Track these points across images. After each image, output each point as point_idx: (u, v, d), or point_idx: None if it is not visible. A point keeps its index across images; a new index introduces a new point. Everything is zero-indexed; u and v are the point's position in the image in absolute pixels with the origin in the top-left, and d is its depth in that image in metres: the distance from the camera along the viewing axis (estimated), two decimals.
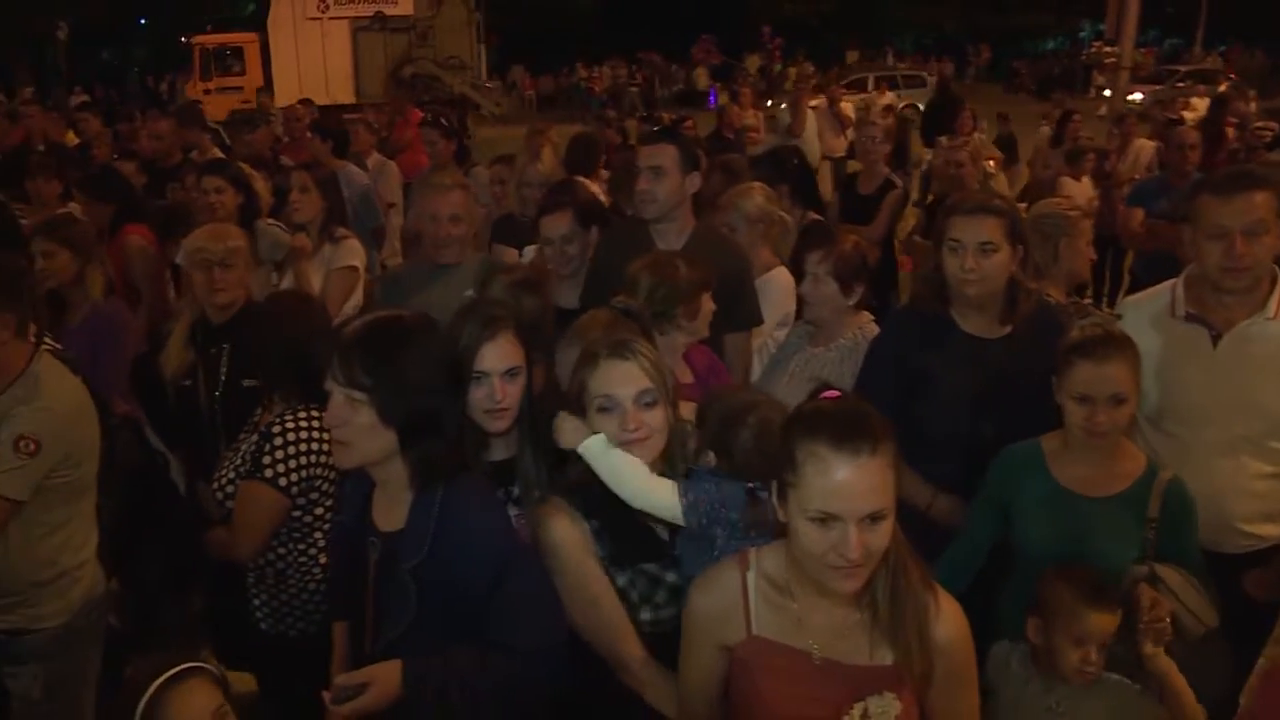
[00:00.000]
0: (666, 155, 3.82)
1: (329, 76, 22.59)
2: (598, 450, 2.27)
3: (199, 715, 2.05)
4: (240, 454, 3.06)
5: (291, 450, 2.92)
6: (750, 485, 2.28)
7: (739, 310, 3.83)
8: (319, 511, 3.02)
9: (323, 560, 3.02)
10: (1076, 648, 2.45)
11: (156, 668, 2.01)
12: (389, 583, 2.20)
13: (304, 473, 2.93)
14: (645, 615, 2.34)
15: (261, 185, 5.20)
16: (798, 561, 1.95)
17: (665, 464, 2.36)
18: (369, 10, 23.27)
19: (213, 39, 26.57)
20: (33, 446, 2.90)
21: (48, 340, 3.32)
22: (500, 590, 2.14)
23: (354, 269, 4.76)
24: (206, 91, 24.28)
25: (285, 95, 19.42)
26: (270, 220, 5.02)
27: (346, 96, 21.89)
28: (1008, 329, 3.06)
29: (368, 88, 22.53)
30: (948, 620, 1.99)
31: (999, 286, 3.00)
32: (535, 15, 39.08)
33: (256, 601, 3.10)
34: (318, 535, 3.03)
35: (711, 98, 31.45)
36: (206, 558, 3.19)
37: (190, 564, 3.22)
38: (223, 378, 3.62)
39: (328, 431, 2.91)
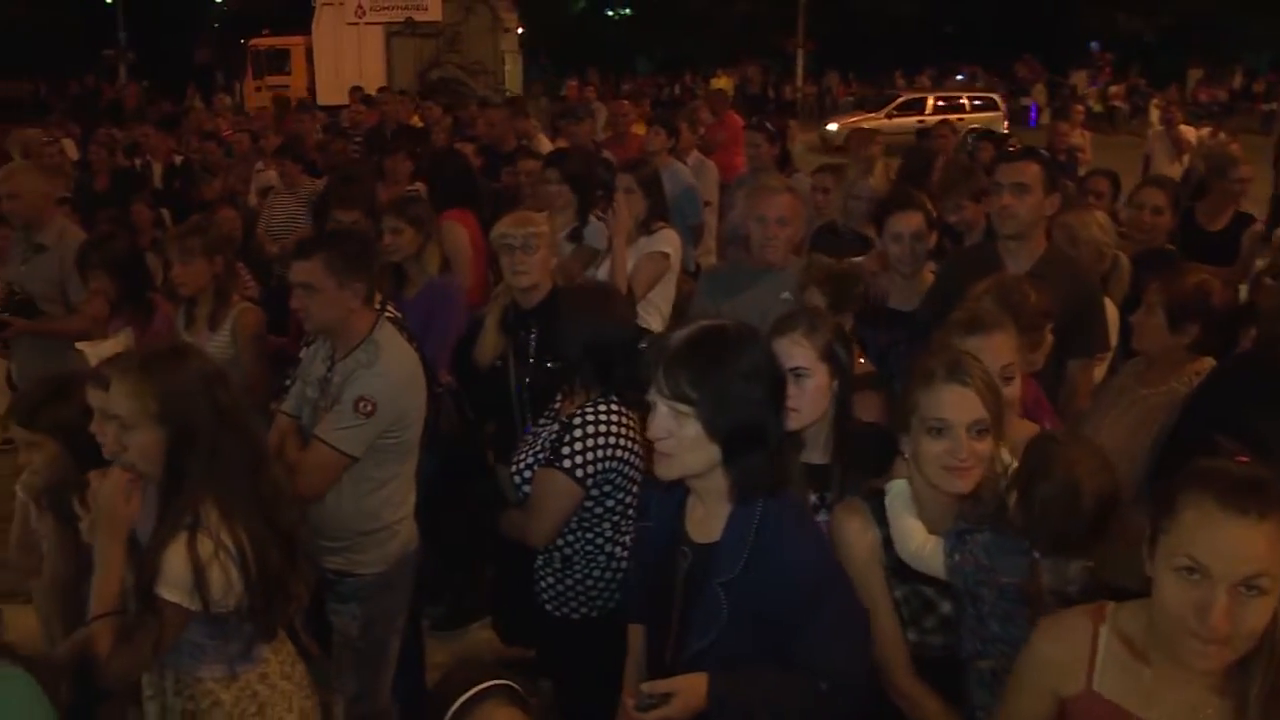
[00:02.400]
0: (1030, 173, 3.75)
1: (364, 78, 22.87)
2: (893, 494, 2.25)
3: None
4: (540, 441, 3.19)
5: (590, 443, 3.00)
6: (1035, 555, 2.18)
7: (1084, 336, 3.71)
8: (610, 504, 3.09)
9: (608, 549, 3.11)
10: None
11: (463, 682, 2.09)
12: (699, 594, 2.18)
13: (600, 465, 3.01)
14: (911, 635, 2.33)
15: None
16: (1157, 624, 1.79)
17: (971, 500, 2.30)
18: (401, 16, 24.48)
19: (264, 41, 28.18)
20: (370, 408, 3.13)
21: (389, 309, 3.60)
22: (814, 614, 2.10)
23: (665, 255, 4.85)
24: (258, 89, 26.43)
25: (326, 94, 22.78)
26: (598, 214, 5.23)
27: None
28: None
29: (399, 87, 22.54)
30: None
31: None
32: (855, 21, 38.64)
33: (543, 584, 3.20)
34: (606, 526, 3.11)
35: (1032, 116, 30.05)
36: (500, 534, 3.33)
37: (487, 536, 3.37)
38: (530, 360, 3.80)
39: (627, 426, 3.05)
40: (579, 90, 20.28)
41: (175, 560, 2.37)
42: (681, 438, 2.09)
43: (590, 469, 3.00)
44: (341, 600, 3.39)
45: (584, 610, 3.17)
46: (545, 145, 8.34)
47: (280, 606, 2.56)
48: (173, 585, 2.37)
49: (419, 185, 7.16)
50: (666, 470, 2.15)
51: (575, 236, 5.18)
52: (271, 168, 8.80)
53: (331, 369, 3.30)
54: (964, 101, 25.80)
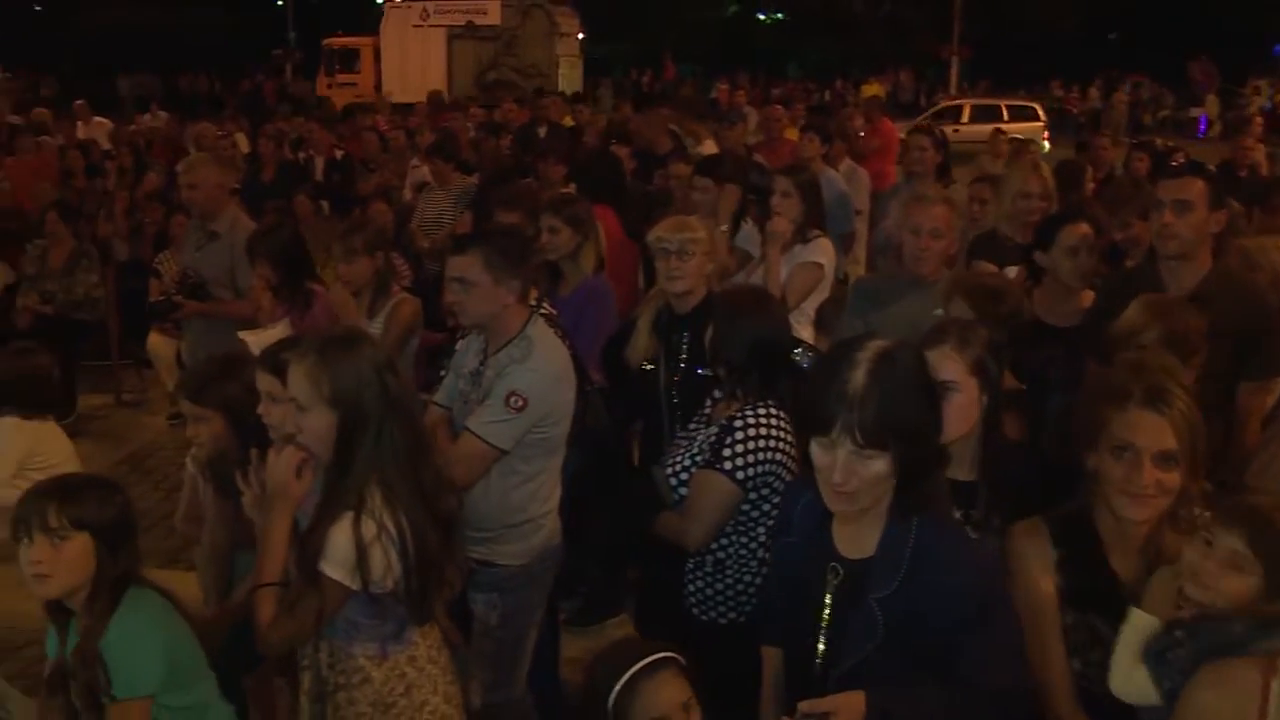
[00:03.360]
0: (1194, 190, 3.58)
1: (427, 77, 24.57)
2: (1137, 626, 2.13)
3: (669, 707, 2.14)
4: (695, 443, 3.18)
5: (751, 445, 2.99)
6: None
7: (1258, 358, 3.53)
8: (765, 508, 3.07)
9: (760, 555, 3.08)
10: None
11: (630, 656, 2.10)
12: (852, 611, 2.14)
13: (760, 468, 2.99)
14: (1074, 664, 2.27)
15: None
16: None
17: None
18: (462, 20, 26.08)
19: (337, 41, 29.45)
20: (521, 402, 3.18)
21: (544, 306, 3.66)
22: (973, 632, 2.04)
23: (819, 265, 4.79)
24: (329, 86, 27.78)
25: (393, 92, 24.09)
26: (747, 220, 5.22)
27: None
28: None
29: (459, 88, 24.80)
30: None
31: None
32: (1013, 28, 37.54)
33: (691, 587, 3.19)
34: (760, 530, 3.08)
35: (1201, 126, 28.73)
36: (646, 534, 3.32)
37: (633, 536, 3.37)
38: (681, 364, 3.81)
39: (784, 429, 3.03)
40: (729, 94, 20.29)
41: (340, 539, 2.44)
42: (866, 477, 2.03)
43: (750, 471, 3.00)
44: (483, 590, 3.44)
45: (732, 615, 3.15)
46: (710, 150, 8.36)
47: (434, 591, 2.62)
48: (336, 563, 2.45)
49: (573, 187, 7.27)
50: (847, 505, 2.08)
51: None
52: (425, 165, 9.07)
53: (484, 363, 3.35)
54: (1002, 110, 24.72)
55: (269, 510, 2.59)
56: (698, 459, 3.11)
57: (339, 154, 9.82)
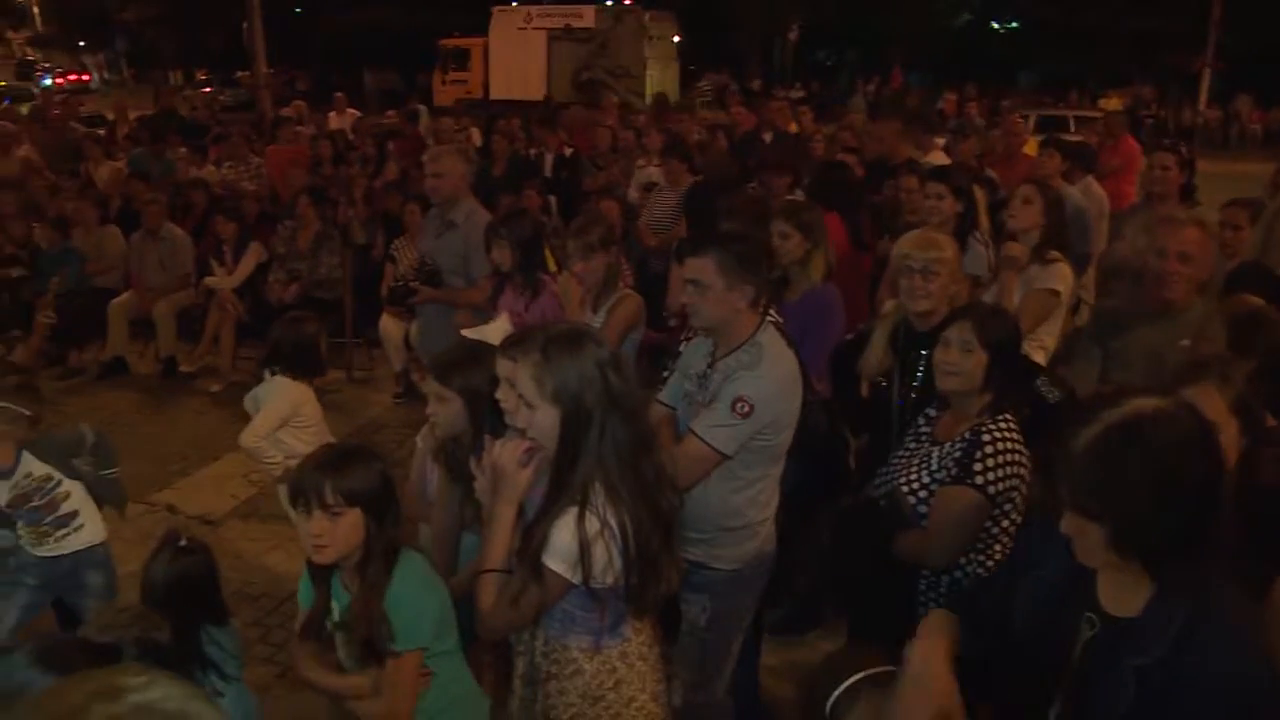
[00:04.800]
0: None
1: (528, 77, 26.98)
2: None
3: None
4: (932, 459, 3.10)
5: (1002, 459, 2.91)
6: None
7: None
8: (1005, 524, 2.97)
9: None
10: None
11: (858, 664, 2.06)
12: (1103, 670, 1.97)
13: (1008, 482, 2.91)
14: None
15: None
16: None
17: None
18: (561, 23, 27.66)
19: (452, 42, 30.77)
20: (747, 409, 3.16)
21: (771, 313, 3.63)
22: None
23: (1055, 293, 4.59)
24: (443, 83, 29.69)
25: (498, 89, 27.58)
26: (978, 235, 5.04)
27: (540, 94, 25.60)
28: None
29: (557, 88, 26.20)
30: None
31: None
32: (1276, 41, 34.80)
33: (921, 610, 3.10)
34: (998, 549, 2.99)
35: None
36: (880, 554, 3.25)
37: (866, 555, 3.30)
38: (916, 384, 3.71)
39: (1023, 443, 2.94)
40: (957, 105, 19.70)
41: (564, 534, 2.49)
42: (1083, 541, 1.90)
43: (999, 485, 2.92)
44: (694, 590, 3.44)
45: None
46: (938, 162, 8.16)
47: (653, 589, 2.63)
48: (559, 557, 2.50)
49: (799, 195, 7.21)
50: (1089, 559, 1.95)
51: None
52: (652, 164, 9.20)
53: (712, 366, 3.36)
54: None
55: (496, 497, 2.66)
56: (938, 475, 3.02)
57: (568, 151, 10.07)
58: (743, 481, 3.33)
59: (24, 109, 19.89)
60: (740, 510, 3.36)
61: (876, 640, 3.27)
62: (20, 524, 4.12)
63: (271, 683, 4.47)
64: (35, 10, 60.91)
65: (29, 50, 64.57)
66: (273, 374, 4.52)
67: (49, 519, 4.12)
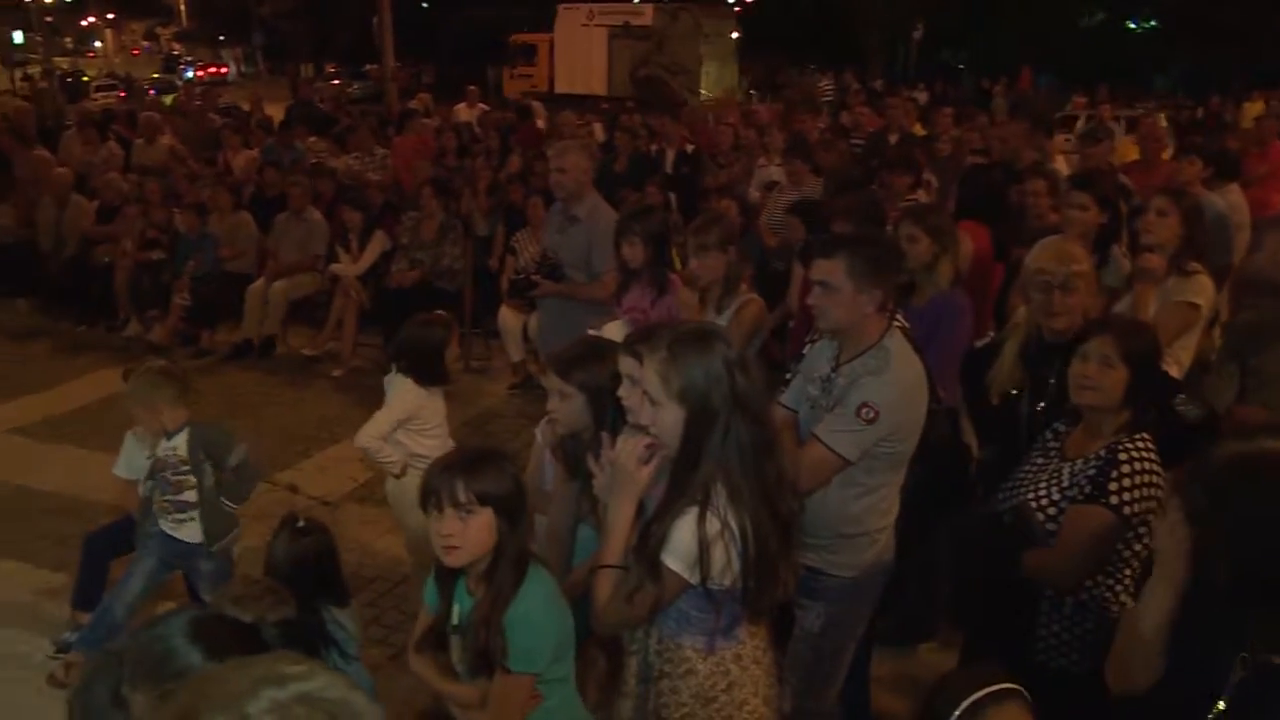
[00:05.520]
0: None
1: (590, 72, 28.33)
2: None
3: None
4: (1062, 476, 3.00)
5: (1139, 479, 2.81)
6: None
7: None
8: (1137, 548, 2.88)
9: (1123, 599, 2.88)
10: None
11: (977, 681, 2.00)
12: (1256, 714, 1.90)
13: (1143, 504, 2.81)
14: None
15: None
16: None
17: None
18: (620, 20, 28.56)
19: (520, 38, 32.28)
20: (872, 414, 3.11)
21: (898, 318, 3.56)
22: None
23: (1194, 306, 4.39)
24: (510, 77, 31.28)
25: (562, 84, 28.88)
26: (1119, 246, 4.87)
27: (600, 89, 27.23)
28: None
29: (616, 84, 27.40)
30: None
31: None
32: None
33: (1043, 631, 3.02)
34: (1127, 573, 2.88)
35: None
36: (1004, 569, 3.17)
37: (988, 569, 3.22)
38: (1047, 398, 3.60)
39: (1160, 462, 2.82)
40: (1088, 107, 19.07)
41: (684, 534, 2.48)
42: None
43: (1135, 507, 2.82)
44: (809, 596, 3.40)
45: (1087, 664, 2.94)
46: (1061, 166, 7.92)
47: (769, 593, 2.61)
48: (678, 556, 2.48)
49: (919, 195, 7.08)
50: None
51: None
52: (773, 163, 9.13)
53: (836, 369, 3.31)
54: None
55: (616, 494, 2.65)
56: (1070, 492, 2.93)
57: (690, 148, 10.06)
58: (864, 488, 3.28)
59: (168, 100, 20.76)
60: (860, 517, 3.31)
61: (991, 658, 3.20)
62: (156, 492, 4.33)
63: (384, 663, 4.56)
64: (181, 7, 63.68)
65: (174, 45, 67.58)
66: (399, 370, 4.50)
67: (170, 497, 4.30)
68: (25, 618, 4.80)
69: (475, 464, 2.60)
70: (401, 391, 4.43)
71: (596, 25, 29.33)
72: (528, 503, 2.71)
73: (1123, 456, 2.84)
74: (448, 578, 2.76)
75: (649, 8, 28.81)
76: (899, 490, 3.42)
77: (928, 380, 3.42)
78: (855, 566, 3.36)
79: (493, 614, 2.58)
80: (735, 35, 30.63)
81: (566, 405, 3.22)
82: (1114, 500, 2.80)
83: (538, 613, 2.60)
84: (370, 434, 4.39)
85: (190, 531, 4.36)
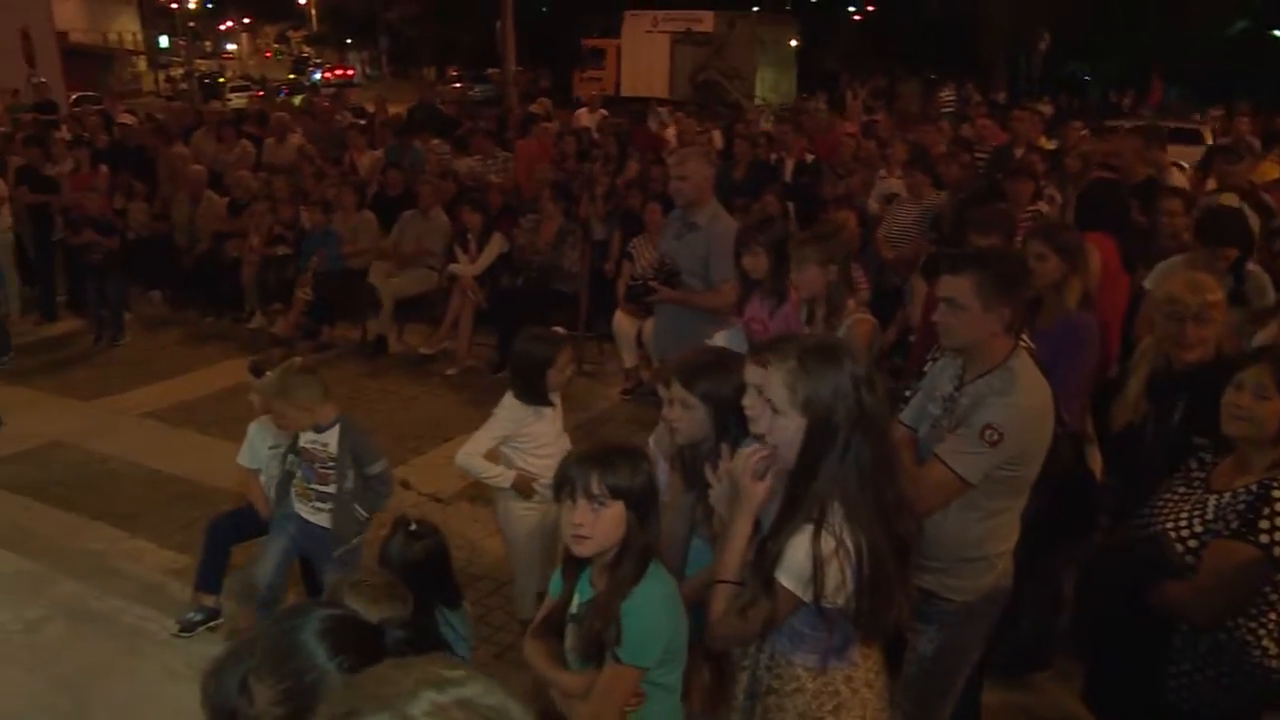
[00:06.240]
0: None
1: (653, 76, 30.37)
2: None
3: None
4: (1208, 507, 2.89)
5: None
6: None
7: None
8: None
9: (1264, 644, 2.75)
10: None
11: None
12: None
13: None
14: None
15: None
16: None
17: None
18: (683, 27, 30.39)
19: (591, 42, 34.43)
20: (997, 437, 3.01)
21: (1024, 339, 3.46)
22: None
23: None
24: (580, 79, 32.59)
25: (628, 87, 30.57)
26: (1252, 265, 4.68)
27: (663, 93, 28.43)
28: None
29: (678, 87, 29.18)
30: None
31: None
32: None
33: (1173, 669, 2.92)
34: (1273, 615, 2.76)
35: None
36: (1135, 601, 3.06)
37: (1119, 601, 3.10)
38: (1173, 429, 3.47)
39: None
40: (1224, 122, 18.31)
41: (798, 551, 2.44)
42: None
43: None
44: (923, 620, 3.32)
45: (1221, 709, 2.83)
46: (1179, 181, 7.64)
47: (884, 614, 2.56)
48: (792, 574, 2.45)
49: (1040, 206, 6.90)
50: None
51: (1234, 298, 4.60)
52: (894, 175, 8.99)
53: (959, 389, 3.23)
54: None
55: (734, 509, 2.64)
56: (1214, 526, 2.81)
57: (809, 158, 9.96)
58: (984, 512, 3.20)
59: (297, 101, 21.43)
60: (979, 541, 3.23)
61: (1115, 694, 3.10)
62: (299, 473, 4.47)
63: (489, 662, 4.62)
64: (313, 12, 65.91)
65: (304, 48, 69.91)
66: (509, 384, 4.47)
67: (314, 485, 4.44)
68: (155, 596, 5.00)
69: (611, 457, 2.60)
70: (502, 407, 4.41)
71: (660, 31, 31.30)
72: (658, 500, 2.70)
73: (1277, 494, 2.72)
74: (574, 567, 2.77)
75: (709, 15, 30.33)
76: (1020, 515, 3.32)
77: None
78: (972, 591, 3.28)
79: (610, 601, 2.59)
80: (794, 43, 32.54)
81: (689, 416, 3.19)
82: (1264, 539, 2.69)
83: (654, 607, 2.60)
84: (466, 450, 4.41)
85: (323, 519, 4.49)
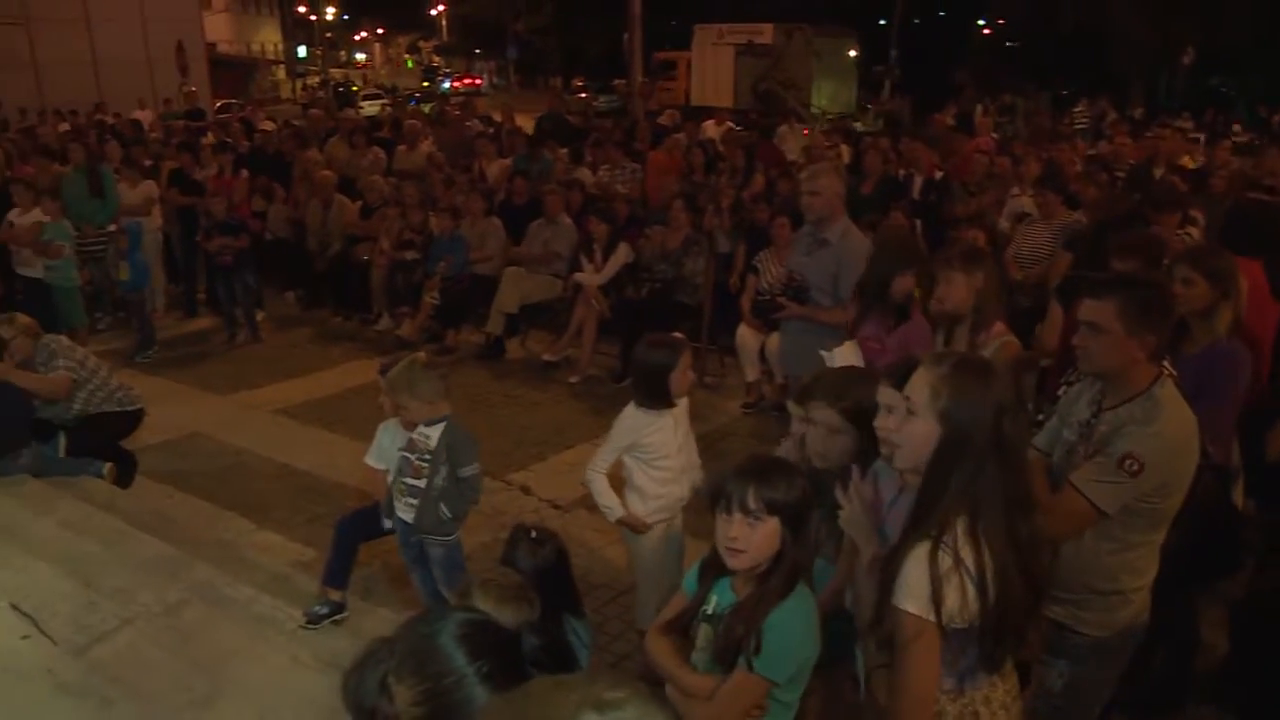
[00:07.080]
0: None
1: (719, 86, 31.88)
2: None
3: None
4: None
5: None
6: None
7: None
8: None
9: None
10: None
11: None
12: None
13: None
14: None
15: None
16: None
17: None
18: (745, 39, 31.64)
19: (663, 54, 36.41)
20: (1136, 467, 2.92)
21: (1166, 366, 3.34)
22: None
23: None
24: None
25: (696, 96, 32.60)
26: None
27: (728, 102, 29.32)
28: None
29: (741, 96, 29.69)
30: None
31: None
32: None
33: None
34: None
35: None
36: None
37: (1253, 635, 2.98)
38: None
39: None
40: None
41: (914, 571, 2.40)
42: None
43: None
44: (1052, 653, 3.24)
45: None
46: None
47: (1010, 644, 2.50)
48: (911, 596, 2.40)
49: (1188, 230, 6.65)
50: None
51: None
52: (1026, 194, 8.76)
53: (1098, 415, 3.13)
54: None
55: (860, 531, 2.61)
56: None
57: (939, 174, 9.78)
58: (1121, 544, 3.09)
59: (427, 109, 21.95)
60: (1114, 573, 3.12)
61: None
62: (400, 470, 4.56)
63: (605, 672, 4.62)
64: (444, 23, 67.70)
65: (434, 58, 71.79)
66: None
67: (407, 479, 4.52)
68: (283, 588, 5.16)
69: (768, 472, 2.62)
70: (622, 417, 4.38)
71: (725, 43, 32.67)
72: (813, 516, 2.69)
73: None
74: (714, 569, 2.77)
75: (769, 27, 31.42)
76: (1158, 550, 3.20)
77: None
78: (1106, 625, 3.17)
79: (756, 611, 2.59)
80: (853, 54, 34.43)
81: (834, 440, 3.17)
82: None
83: (798, 624, 2.60)
84: (594, 468, 4.42)
85: (411, 516, 4.58)
